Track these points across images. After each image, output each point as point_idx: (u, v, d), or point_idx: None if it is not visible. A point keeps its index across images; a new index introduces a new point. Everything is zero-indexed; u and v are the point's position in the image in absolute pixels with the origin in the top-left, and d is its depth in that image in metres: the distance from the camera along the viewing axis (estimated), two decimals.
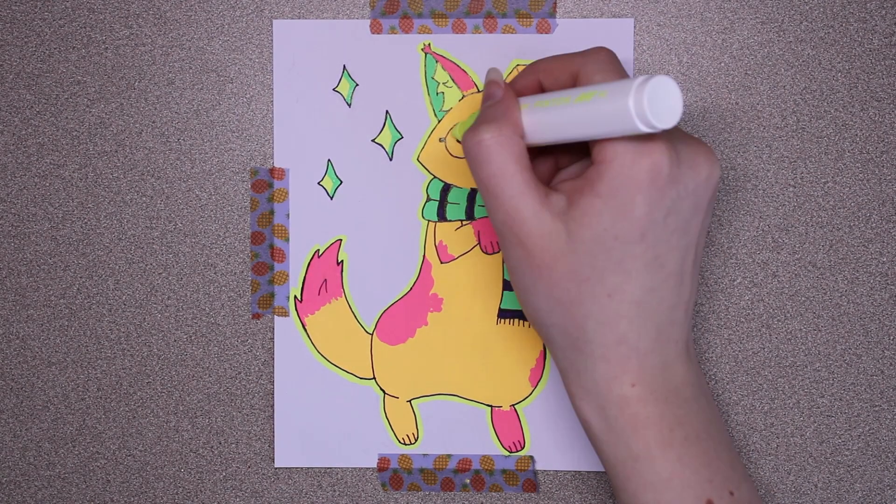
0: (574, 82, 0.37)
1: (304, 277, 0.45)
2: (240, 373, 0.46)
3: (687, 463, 0.35)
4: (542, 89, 0.38)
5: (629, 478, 0.35)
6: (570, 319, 0.35)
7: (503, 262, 0.45)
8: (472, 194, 0.45)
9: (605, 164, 0.34)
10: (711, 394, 0.37)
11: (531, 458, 0.45)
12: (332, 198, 0.45)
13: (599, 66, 0.36)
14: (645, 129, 0.32)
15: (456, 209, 0.45)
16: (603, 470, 0.45)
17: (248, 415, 0.46)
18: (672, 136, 0.35)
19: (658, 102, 0.31)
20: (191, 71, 0.45)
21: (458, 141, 0.45)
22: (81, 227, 0.46)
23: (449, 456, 0.46)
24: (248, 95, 0.45)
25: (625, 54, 0.44)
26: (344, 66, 0.45)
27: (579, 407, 0.36)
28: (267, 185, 0.45)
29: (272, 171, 0.45)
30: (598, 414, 0.36)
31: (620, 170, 0.33)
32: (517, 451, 0.45)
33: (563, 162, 0.39)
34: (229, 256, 0.46)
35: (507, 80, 0.43)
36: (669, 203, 0.34)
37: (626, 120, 0.32)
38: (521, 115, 0.36)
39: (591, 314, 0.35)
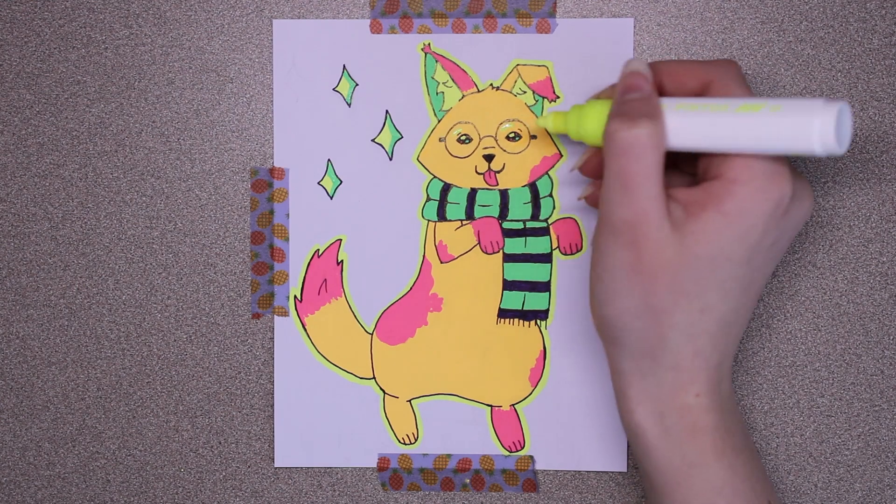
0: (703, 91, 0.36)
1: (304, 277, 0.45)
2: (240, 373, 0.46)
3: (737, 471, 0.36)
4: (661, 92, 0.37)
5: (680, 484, 0.36)
6: (655, 328, 0.35)
7: (503, 262, 0.45)
8: (472, 194, 0.45)
9: (737, 185, 0.34)
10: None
11: (531, 457, 0.45)
12: (332, 198, 0.45)
13: (735, 79, 0.36)
14: (818, 151, 0.32)
15: (456, 209, 0.45)
16: (603, 470, 0.45)
17: (248, 415, 0.46)
18: (792, 167, 0.35)
19: (840, 128, 0.32)
20: (191, 71, 0.45)
21: (460, 138, 0.45)
22: (81, 227, 0.46)
23: (449, 456, 0.46)
24: (248, 95, 0.45)
25: (625, 54, 0.44)
26: (344, 66, 0.45)
27: (633, 410, 0.36)
28: (267, 184, 0.45)
29: (272, 170, 0.45)
30: (655, 419, 0.36)
31: (753, 193, 0.33)
32: (517, 451, 0.45)
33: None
34: (229, 256, 0.46)
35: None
36: (778, 233, 0.35)
37: (803, 138, 0.32)
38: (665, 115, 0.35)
39: (679, 326, 0.35)
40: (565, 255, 0.45)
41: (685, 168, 0.39)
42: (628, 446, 0.45)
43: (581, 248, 0.45)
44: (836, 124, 0.32)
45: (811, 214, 0.36)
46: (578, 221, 0.45)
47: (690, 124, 0.35)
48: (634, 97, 0.36)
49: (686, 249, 0.34)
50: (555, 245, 0.45)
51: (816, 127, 0.32)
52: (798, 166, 0.44)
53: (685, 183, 0.38)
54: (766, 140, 0.33)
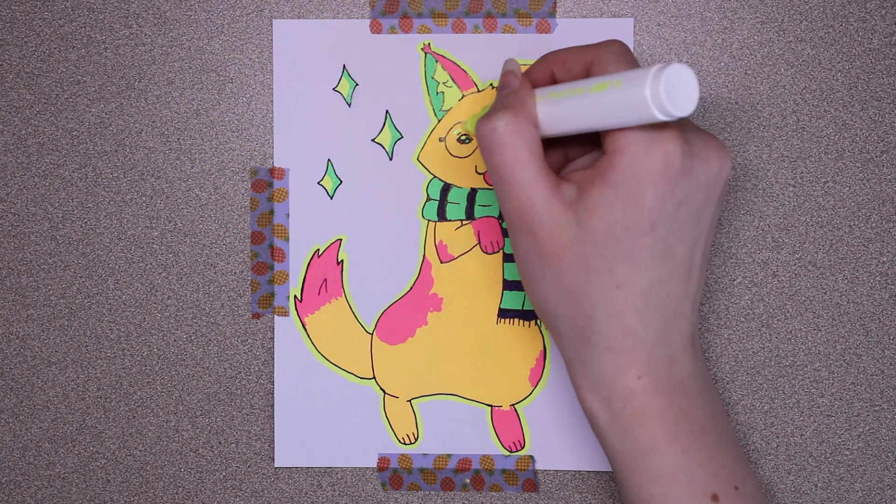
0: (587, 73, 0.36)
1: (304, 277, 0.45)
2: (240, 373, 0.46)
3: (692, 456, 0.35)
4: (555, 81, 0.38)
5: (635, 471, 0.35)
6: (578, 310, 0.35)
7: (503, 262, 0.45)
8: (472, 194, 0.45)
9: (617, 155, 0.34)
10: (716, 388, 0.37)
11: (531, 457, 0.45)
12: (332, 197, 0.45)
13: (613, 56, 0.36)
14: (661, 118, 0.32)
15: (456, 209, 0.45)
16: (603, 469, 0.45)
17: (248, 415, 0.46)
18: (685, 129, 0.35)
19: (675, 90, 0.31)
20: (191, 71, 0.45)
21: (460, 138, 0.45)
22: (81, 227, 0.46)
23: (449, 456, 0.46)
24: (248, 95, 0.45)
25: None
26: (344, 66, 0.45)
27: (584, 398, 0.36)
28: (267, 184, 0.45)
29: (272, 170, 0.45)
30: (603, 406, 0.36)
31: (633, 160, 0.33)
32: (517, 451, 0.45)
33: (573, 153, 0.39)
34: (229, 256, 0.46)
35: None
36: (681, 195, 0.34)
37: (643, 108, 0.32)
38: (537, 105, 0.36)
39: (599, 305, 0.35)
40: None
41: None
42: None
43: None
44: (667, 89, 0.31)
45: (728, 171, 0.35)
46: None
47: (555, 110, 0.35)
48: (502, 94, 0.37)
49: (582, 226, 0.34)
50: None
51: (649, 96, 0.31)
52: (801, 154, 0.45)
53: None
54: (616, 115, 0.33)
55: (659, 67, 0.32)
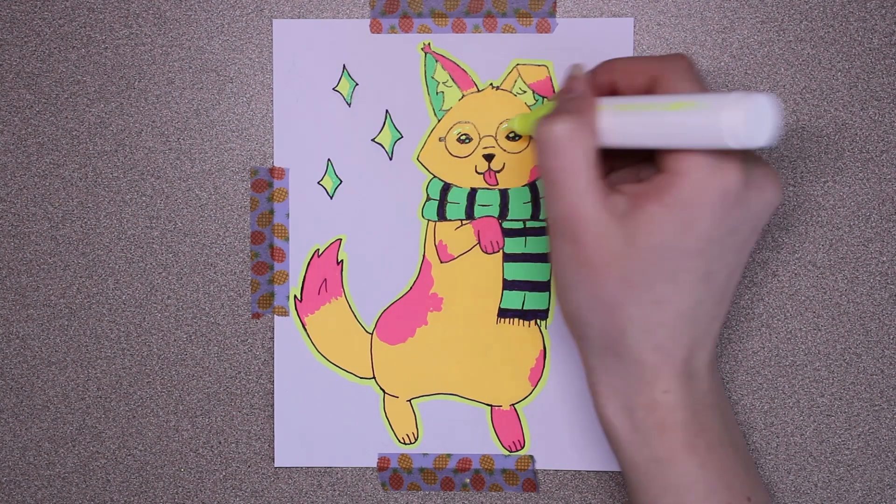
0: (652, 87, 0.36)
1: (304, 277, 0.45)
2: (240, 373, 0.46)
3: (709, 468, 0.35)
4: (615, 89, 0.38)
5: (651, 481, 0.35)
6: (612, 321, 0.35)
7: (503, 262, 0.45)
8: (472, 194, 0.45)
9: (677, 177, 0.33)
10: (730, 405, 0.37)
11: (531, 457, 0.45)
12: (331, 197, 0.45)
13: (681, 74, 0.35)
14: (733, 146, 0.31)
15: (456, 209, 0.45)
16: (603, 469, 0.45)
17: (248, 415, 0.46)
18: (744, 156, 0.34)
19: (754, 120, 0.31)
20: (191, 71, 0.45)
21: (460, 138, 0.45)
22: (81, 227, 0.46)
23: (449, 455, 0.46)
24: (248, 95, 0.45)
25: (625, 54, 0.44)
26: (344, 66, 0.45)
27: (604, 406, 0.36)
28: (267, 184, 0.45)
29: (272, 170, 0.45)
30: (624, 415, 0.36)
31: (694, 185, 0.33)
32: (517, 451, 0.45)
33: (618, 163, 0.39)
34: (229, 256, 0.46)
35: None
36: (733, 223, 0.34)
37: (717, 135, 0.32)
38: (600, 115, 0.36)
39: (635, 319, 0.35)
40: None
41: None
42: None
43: None
44: (747, 118, 0.31)
45: (778, 203, 0.35)
46: None
47: (621, 123, 0.35)
48: (566, 98, 0.37)
49: (630, 241, 0.34)
50: None
51: (725, 122, 0.31)
52: (801, 155, 0.45)
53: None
54: (685, 137, 0.33)
55: (739, 96, 0.31)
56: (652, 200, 0.34)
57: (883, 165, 0.44)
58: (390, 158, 0.45)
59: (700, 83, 0.35)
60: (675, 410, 0.35)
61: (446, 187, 0.45)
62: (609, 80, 0.37)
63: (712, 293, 0.35)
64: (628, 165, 0.39)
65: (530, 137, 0.44)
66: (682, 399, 0.35)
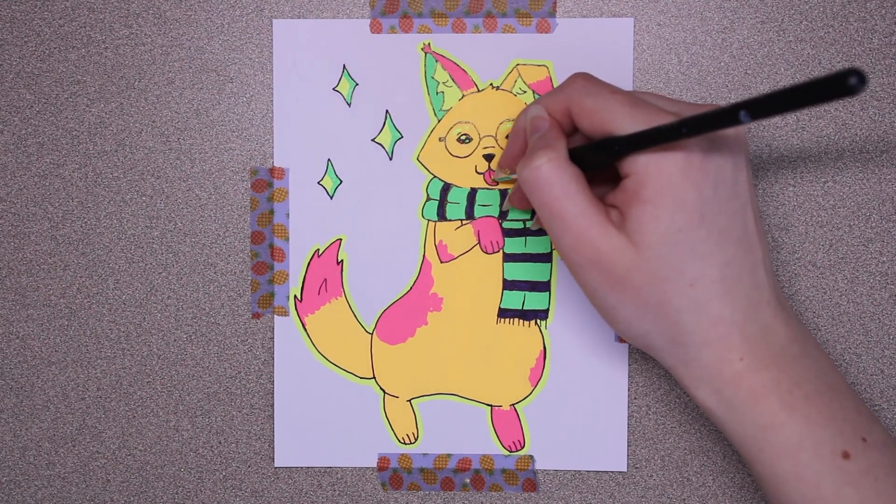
0: (569, 115, 0.38)
1: (304, 277, 0.45)
2: (240, 373, 0.46)
3: (815, 420, 0.35)
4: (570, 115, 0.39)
5: (762, 450, 0.35)
6: (664, 319, 0.35)
7: (503, 262, 0.45)
8: (472, 194, 0.45)
9: (640, 174, 0.34)
10: (818, 344, 0.37)
11: (531, 457, 0.45)
12: (331, 197, 0.45)
13: (588, 90, 0.37)
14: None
15: (456, 209, 0.45)
16: (603, 469, 0.45)
17: (248, 415, 0.46)
18: (681, 115, 0.35)
19: None
20: (191, 71, 0.45)
21: (460, 138, 0.45)
22: (81, 227, 0.46)
23: (449, 455, 0.46)
24: (248, 95, 0.45)
25: (625, 54, 0.44)
26: (344, 66, 0.45)
27: (695, 394, 0.37)
28: (267, 184, 0.45)
29: (272, 170, 0.45)
30: (715, 397, 0.36)
31: (656, 171, 0.34)
32: (517, 451, 0.45)
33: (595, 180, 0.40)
34: (229, 256, 0.46)
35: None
36: (713, 175, 0.35)
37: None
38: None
39: (682, 308, 0.35)
40: None
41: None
42: (628, 445, 0.45)
43: None
44: None
45: (745, 131, 0.36)
46: None
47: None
48: (535, 137, 0.38)
49: (637, 245, 0.35)
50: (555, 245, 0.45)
51: None
52: (801, 155, 0.44)
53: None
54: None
55: None
56: (634, 203, 0.35)
57: (883, 165, 0.44)
58: (390, 158, 0.45)
59: (609, 88, 0.37)
60: (758, 373, 0.35)
61: (446, 187, 0.45)
62: (563, 108, 0.38)
63: (737, 246, 0.35)
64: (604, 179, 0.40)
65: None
66: (762, 360, 0.35)
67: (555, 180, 0.36)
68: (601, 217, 0.35)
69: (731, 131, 0.35)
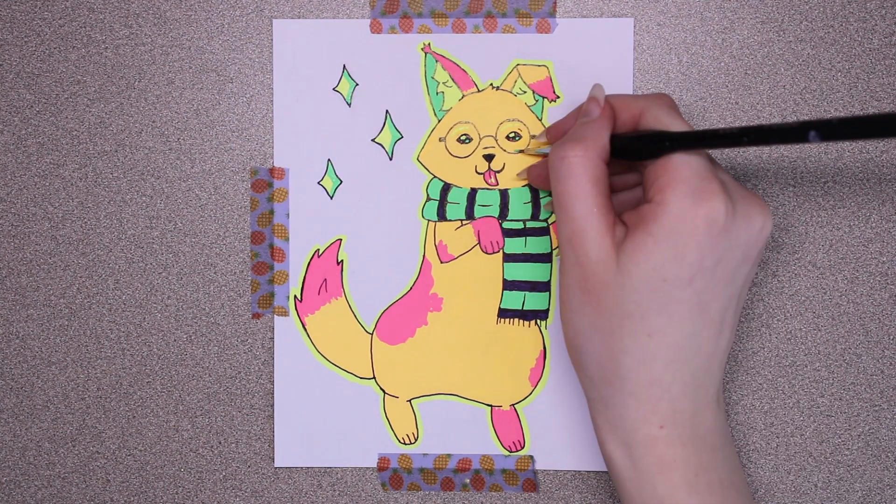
0: (638, 118, 0.38)
1: (304, 277, 0.45)
2: (240, 373, 0.46)
3: None
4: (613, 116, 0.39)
5: None
6: (606, 351, 0.35)
7: (503, 262, 0.45)
8: (472, 194, 0.45)
9: (661, 207, 0.34)
10: (735, 449, 0.37)
11: (531, 457, 0.45)
12: (331, 197, 0.45)
13: (665, 109, 0.37)
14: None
15: (456, 209, 0.45)
16: (603, 469, 0.45)
17: (248, 415, 0.46)
18: (728, 186, 0.35)
19: None
20: (191, 71, 0.45)
21: (460, 138, 0.45)
22: (81, 227, 0.46)
23: (449, 456, 0.46)
24: (248, 95, 0.45)
25: (625, 54, 0.44)
26: (344, 66, 0.45)
27: (604, 441, 0.36)
28: (267, 184, 0.45)
29: (272, 170, 0.45)
30: (623, 452, 0.36)
31: (677, 214, 0.34)
32: (517, 451, 0.45)
33: (625, 180, 0.40)
34: (229, 256, 0.46)
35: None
36: (721, 252, 0.34)
37: None
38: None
39: (629, 350, 0.35)
40: None
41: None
42: None
43: None
44: None
45: (768, 231, 0.35)
46: None
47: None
48: (582, 122, 0.38)
49: (622, 269, 0.35)
50: (555, 245, 0.45)
51: None
52: (801, 155, 0.45)
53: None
54: None
55: None
56: (640, 229, 0.35)
57: (883, 166, 0.44)
58: (390, 158, 0.45)
59: (680, 116, 0.37)
60: (673, 446, 0.35)
61: (446, 187, 0.45)
62: (633, 107, 0.38)
63: (707, 326, 0.35)
64: (631, 180, 0.40)
65: (531, 138, 0.44)
66: (681, 436, 0.35)
67: (578, 175, 0.36)
68: (604, 226, 0.35)
69: (756, 227, 0.35)
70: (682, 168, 0.35)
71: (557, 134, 0.42)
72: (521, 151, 0.44)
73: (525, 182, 0.44)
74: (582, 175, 0.36)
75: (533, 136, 0.44)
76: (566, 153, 0.36)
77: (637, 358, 0.35)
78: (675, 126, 0.36)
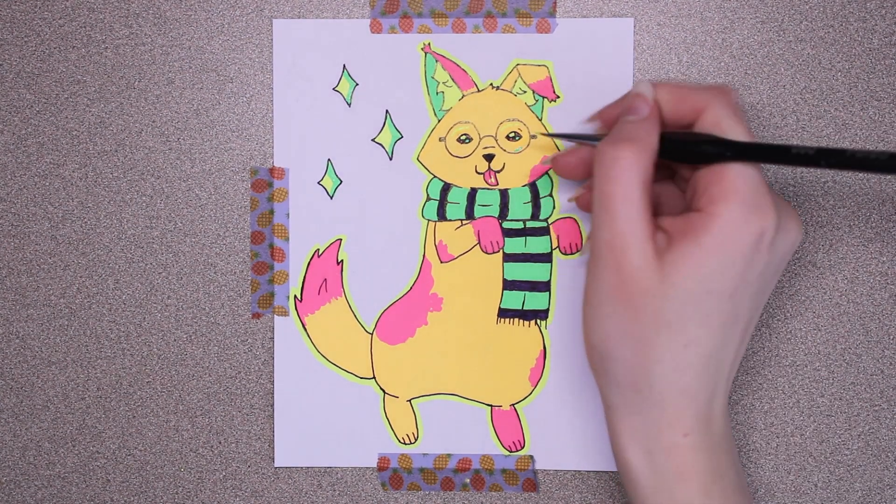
0: (695, 117, 0.36)
1: (304, 277, 0.45)
2: (240, 373, 0.46)
3: None
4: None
5: None
6: (639, 359, 0.35)
7: (503, 262, 0.45)
8: (472, 194, 0.45)
9: (714, 218, 0.34)
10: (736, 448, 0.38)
11: (531, 457, 0.45)
12: (331, 197, 0.45)
13: (727, 112, 0.35)
14: None
15: (456, 209, 0.45)
16: (603, 469, 0.45)
17: (248, 415, 0.46)
18: (773, 199, 0.35)
19: None
20: (191, 71, 0.45)
21: (460, 138, 0.45)
22: (81, 227, 0.46)
23: (449, 455, 0.46)
24: (248, 95, 0.45)
25: (625, 54, 0.44)
26: (344, 66, 0.45)
27: (624, 447, 0.36)
28: (267, 184, 0.45)
29: (272, 170, 0.45)
30: (644, 458, 0.35)
31: (730, 227, 0.33)
32: (517, 451, 0.45)
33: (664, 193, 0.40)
34: (229, 256, 0.46)
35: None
36: (761, 265, 0.34)
37: None
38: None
39: (663, 360, 0.34)
40: (565, 254, 0.45)
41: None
42: None
43: (581, 248, 0.45)
44: None
45: (799, 243, 0.36)
46: (578, 221, 0.45)
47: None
48: (630, 119, 0.36)
49: (666, 279, 0.34)
50: (555, 245, 0.45)
51: None
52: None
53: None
54: None
55: None
56: (688, 240, 0.34)
57: None
58: (390, 158, 0.45)
59: (743, 122, 0.35)
60: (694, 455, 0.35)
61: (446, 187, 0.45)
62: (689, 100, 0.37)
63: (736, 336, 0.35)
64: (670, 191, 0.39)
65: (531, 137, 0.44)
66: (702, 443, 0.35)
67: (627, 178, 0.34)
68: (647, 233, 0.34)
69: (792, 240, 0.35)
70: (738, 180, 0.34)
71: (606, 119, 0.40)
72: (574, 139, 0.41)
73: (526, 182, 0.44)
74: (634, 178, 0.34)
75: (532, 137, 0.44)
76: (619, 153, 0.34)
77: (670, 368, 0.34)
78: (735, 132, 0.35)
